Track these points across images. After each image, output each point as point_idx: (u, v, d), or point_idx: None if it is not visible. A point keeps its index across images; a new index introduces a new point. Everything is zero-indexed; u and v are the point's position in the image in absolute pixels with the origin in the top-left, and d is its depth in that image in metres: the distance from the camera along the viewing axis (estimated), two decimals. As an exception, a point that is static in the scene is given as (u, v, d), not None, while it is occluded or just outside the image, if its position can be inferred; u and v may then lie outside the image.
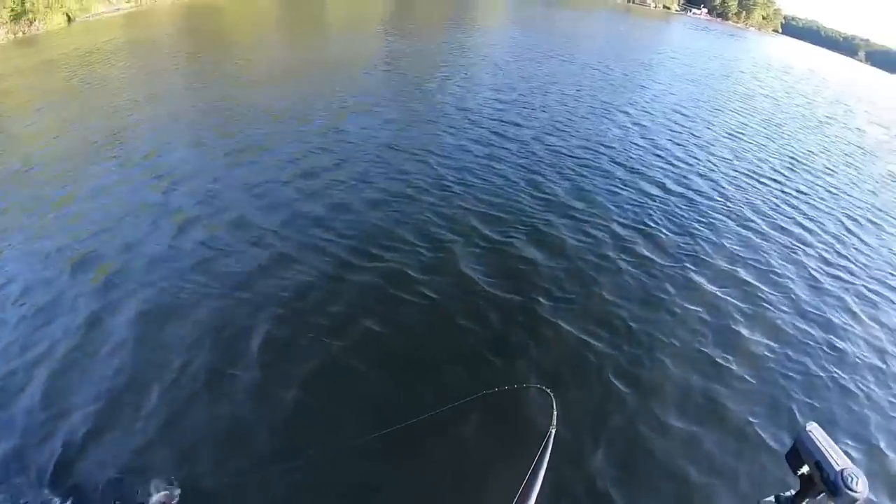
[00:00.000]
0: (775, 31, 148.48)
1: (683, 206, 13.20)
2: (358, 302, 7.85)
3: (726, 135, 21.43)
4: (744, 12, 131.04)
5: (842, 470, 1.93)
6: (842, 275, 11.48)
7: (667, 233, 11.53)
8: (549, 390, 3.31)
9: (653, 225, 11.78)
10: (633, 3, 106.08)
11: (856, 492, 1.88)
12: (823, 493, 2.03)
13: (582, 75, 26.82)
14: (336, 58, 22.81)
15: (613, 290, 9.05)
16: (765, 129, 24.23)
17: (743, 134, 22.17)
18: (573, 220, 11.34)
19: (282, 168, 12.09)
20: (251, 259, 8.66)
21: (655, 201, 13.13)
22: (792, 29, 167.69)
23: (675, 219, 12.37)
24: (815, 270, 11.37)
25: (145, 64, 20.16)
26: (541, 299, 8.45)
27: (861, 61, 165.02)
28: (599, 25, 55.71)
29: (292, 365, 6.62)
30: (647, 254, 10.42)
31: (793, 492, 2.24)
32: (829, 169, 20.43)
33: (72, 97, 16.37)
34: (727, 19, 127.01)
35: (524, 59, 28.01)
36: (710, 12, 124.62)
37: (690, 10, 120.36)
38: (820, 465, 2.00)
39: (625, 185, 13.79)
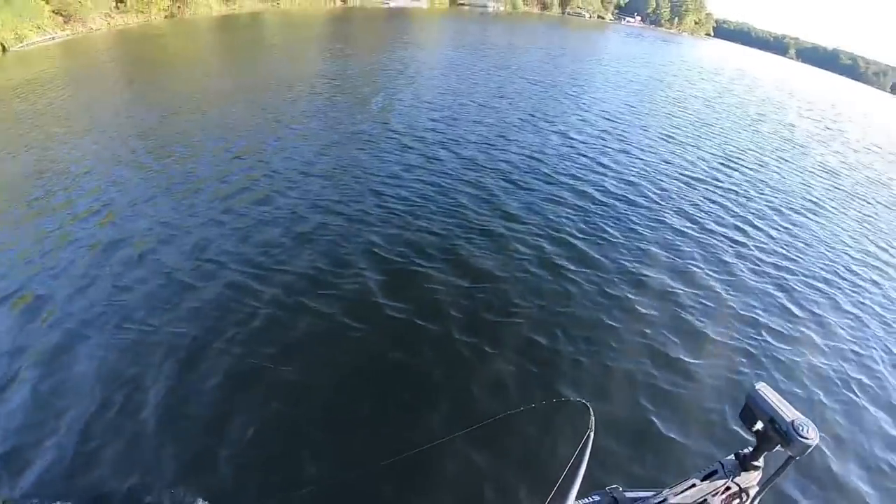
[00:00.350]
0: (707, 34, 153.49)
1: (616, 213, 12.96)
2: (298, 335, 7.52)
3: (659, 139, 21.04)
4: (676, 18, 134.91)
5: (792, 421, 2.03)
6: (779, 262, 12.05)
7: (600, 240, 11.39)
8: (586, 402, 3.20)
9: (584, 234, 11.58)
10: (568, 14, 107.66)
11: (808, 438, 1.99)
12: (779, 445, 2.13)
13: (515, 89, 26.15)
14: (271, 82, 21.83)
15: (553, 300, 9.00)
16: (697, 130, 24.05)
17: (675, 137, 21.84)
18: (505, 236, 10.96)
19: (211, 198, 11.37)
20: (175, 292, 8.20)
21: (588, 210, 12.91)
22: (724, 32, 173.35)
23: (609, 226, 12.17)
24: (751, 261, 11.76)
25: (79, 94, 18.68)
26: (470, 319, 8.24)
27: (792, 59, 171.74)
28: (534, 39, 55.80)
29: (245, 401, 6.35)
30: (579, 265, 10.26)
31: (751, 448, 2.36)
32: (761, 165, 20.52)
33: (2, 130, 15.04)
34: (660, 25, 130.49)
35: (457, 77, 27.25)
36: (643, 20, 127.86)
37: (624, 19, 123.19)
38: (772, 419, 2.11)
39: (558, 197, 13.41)
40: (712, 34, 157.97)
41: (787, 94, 51.18)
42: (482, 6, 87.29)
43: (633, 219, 12.73)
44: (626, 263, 10.55)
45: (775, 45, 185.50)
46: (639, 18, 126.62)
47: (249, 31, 36.56)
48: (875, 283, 12.24)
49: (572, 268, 10.06)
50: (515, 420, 5.80)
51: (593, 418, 2.75)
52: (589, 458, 2.47)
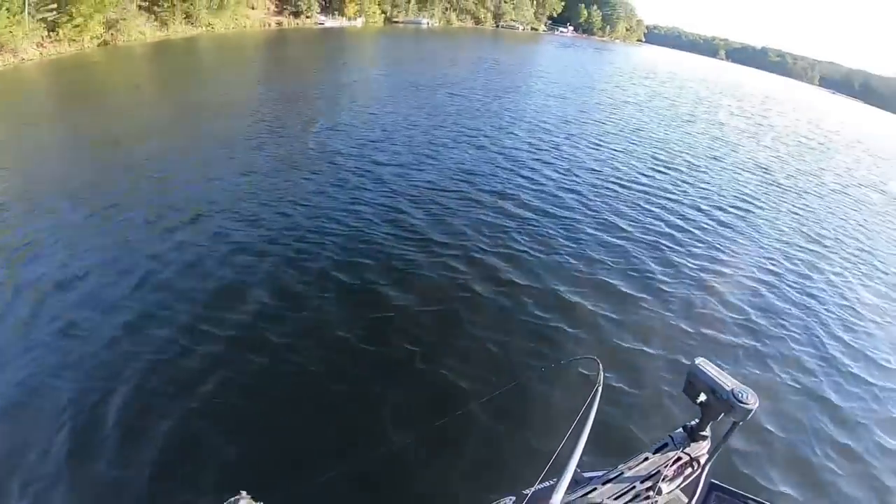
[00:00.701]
0: (639, 40, 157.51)
1: (551, 224, 12.63)
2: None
3: (587, 147, 20.17)
4: (608, 26, 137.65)
5: (732, 389, 2.07)
6: (712, 258, 12.28)
7: (535, 253, 11.08)
8: (595, 357, 3.18)
9: (520, 248, 11.22)
10: (502, 27, 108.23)
11: (748, 404, 2.02)
12: (723, 413, 2.16)
13: (446, 105, 24.79)
14: (206, 108, 20.41)
15: (483, 319, 8.68)
16: (627, 136, 23.34)
17: (607, 143, 21.13)
18: (437, 255, 10.54)
19: (139, 228, 10.63)
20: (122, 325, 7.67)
21: (523, 223, 12.52)
22: (655, 37, 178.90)
23: (542, 237, 11.87)
24: (683, 259, 11.93)
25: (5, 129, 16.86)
26: (404, 343, 7.90)
27: (722, 59, 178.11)
28: (467, 53, 55.18)
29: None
30: (512, 278, 10.03)
31: (697, 420, 2.43)
32: (692, 164, 20.30)
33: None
34: (593, 34, 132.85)
35: (389, 95, 25.80)
36: (576, 29, 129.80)
37: (557, 30, 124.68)
38: (713, 389, 2.16)
39: (491, 212, 12.91)
40: (644, 40, 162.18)
41: (718, 93, 51.98)
42: (416, 23, 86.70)
43: (558, 231, 12.39)
44: (550, 278, 10.21)
45: (705, 47, 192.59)
46: (571, 29, 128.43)
47: (184, 58, 34.93)
48: (812, 270, 12.79)
49: (513, 283, 9.82)
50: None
51: (601, 372, 2.88)
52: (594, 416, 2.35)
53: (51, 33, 30.64)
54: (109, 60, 31.24)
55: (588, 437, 2.22)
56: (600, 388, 2.73)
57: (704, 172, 19.39)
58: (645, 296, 9.98)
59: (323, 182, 13.56)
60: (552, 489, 1.95)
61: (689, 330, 9.16)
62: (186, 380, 6.69)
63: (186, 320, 7.84)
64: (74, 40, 31.98)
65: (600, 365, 3.04)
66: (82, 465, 5.51)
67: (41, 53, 29.63)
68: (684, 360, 7.96)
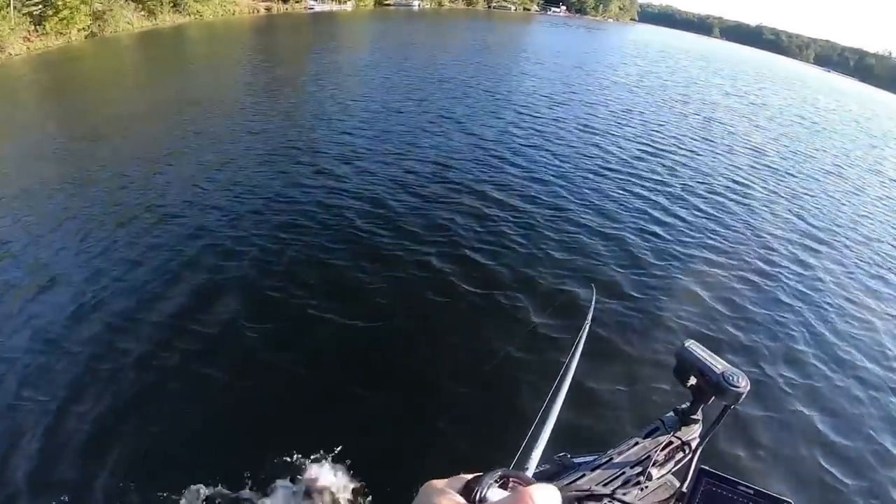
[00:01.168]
0: (633, 19, 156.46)
1: (522, 216, 12.21)
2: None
3: (575, 129, 20.06)
4: (601, 6, 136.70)
5: (722, 372, 1.97)
6: (703, 243, 12.20)
7: (511, 244, 10.89)
8: (592, 285, 3.79)
9: (500, 237, 11.13)
10: (493, 8, 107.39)
11: (739, 387, 1.90)
12: (713, 396, 2.07)
13: (432, 89, 24.66)
14: (189, 98, 20.31)
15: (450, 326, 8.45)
16: (616, 118, 23.17)
17: (592, 126, 20.90)
18: (416, 249, 10.33)
19: (105, 226, 10.52)
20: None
21: (491, 217, 12.05)
22: (648, 15, 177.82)
23: (516, 231, 11.50)
24: (672, 246, 11.81)
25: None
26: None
27: (717, 38, 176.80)
28: (458, 35, 54.77)
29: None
30: (493, 267, 9.97)
31: (688, 403, 2.33)
32: (683, 147, 20.03)
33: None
34: (586, 14, 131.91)
35: (375, 81, 25.61)
36: (568, 9, 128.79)
37: (550, 9, 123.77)
38: (702, 372, 2.05)
39: (474, 199, 12.75)
40: (637, 19, 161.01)
41: (712, 72, 51.65)
42: (407, 5, 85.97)
43: (544, 219, 12.13)
44: (534, 269, 10.05)
45: (700, 26, 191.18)
46: (564, 8, 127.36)
47: (170, 48, 34.78)
48: (807, 257, 12.51)
49: (491, 273, 9.77)
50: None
51: (594, 299, 3.06)
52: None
53: (37, 27, 30.58)
54: (96, 53, 31.20)
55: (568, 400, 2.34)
56: (591, 315, 2.92)
57: (698, 154, 19.25)
58: (632, 282, 9.92)
59: (299, 175, 13.50)
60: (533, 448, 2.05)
61: (679, 317, 9.08)
62: (148, 388, 6.65)
63: (157, 320, 7.83)
64: (61, 33, 31.89)
65: (594, 293, 3.39)
66: (48, 473, 5.49)
67: (28, 48, 29.56)
68: (673, 346, 7.87)
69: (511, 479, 0.73)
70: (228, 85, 23.58)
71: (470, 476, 0.68)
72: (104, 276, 8.85)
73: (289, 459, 5.62)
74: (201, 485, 5.29)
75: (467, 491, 0.65)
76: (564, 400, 2.41)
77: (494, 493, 0.66)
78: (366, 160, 14.69)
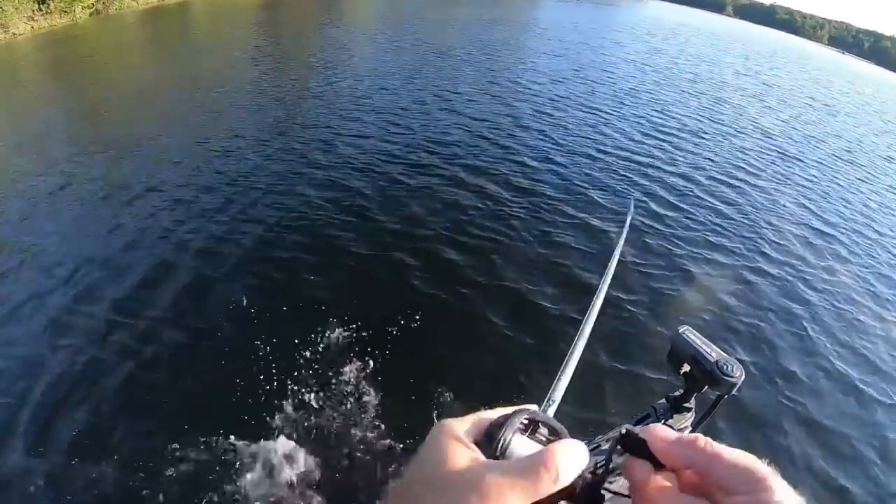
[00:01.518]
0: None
1: (524, 205, 11.62)
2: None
3: (576, 109, 19.28)
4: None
5: (716, 361, 1.97)
6: (708, 226, 11.91)
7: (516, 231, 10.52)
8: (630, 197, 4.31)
9: (490, 231, 10.51)
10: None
11: (733, 377, 1.93)
12: (707, 385, 2.06)
13: (429, 67, 23.81)
14: (192, 77, 19.93)
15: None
16: (621, 97, 22.30)
17: (594, 106, 20.07)
18: (412, 237, 9.92)
19: (98, 205, 10.36)
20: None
21: (483, 210, 11.37)
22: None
23: (517, 217, 11.07)
24: (675, 235, 11.25)
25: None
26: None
27: (730, 16, 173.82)
28: (463, 11, 53.55)
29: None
30: (500, 270, 9.31)
31: (681, 391, 2.30)
32: (686, 127, 19.46)
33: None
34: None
35: (380, 56, 25.17)
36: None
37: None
38: (696, 359, 2.03)
39: (454, 191, 12.00)
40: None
41: (723, 51, 50.40)
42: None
43: (542, 206, 11.58)
44: (545, 246, 10.00)
45: (712, 3, 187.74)
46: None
47: (177, 25, 34.14)
48: (818, 242, 12.30)
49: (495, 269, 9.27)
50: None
51: (631, 212, 3.51)
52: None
53: (41, 6, 30.38)
54: (101, 31, 30.75)
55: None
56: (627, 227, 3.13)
57: (706, 139, 18.55)
58: (629, 272, 9.47)
59: (288, 159, 12.89)
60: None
61: (678, 306, 8.87)
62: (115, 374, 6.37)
63: (161, 296, 7.71)
64: (66, 11, 31.65)
65: (632, 205, 3.87)
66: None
67: (32, 28, 29.44)
68: (667, 333, 7.51)
69: (540, 424, 0.63)
70: (231, 62, 23.06)
71: (493, 415, 0.60)
72: (99, 256, 8.66)
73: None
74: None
75: (488, 438, 0.57)
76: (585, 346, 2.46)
77: (519, 441, 0.58)
78: (359, 143, 14.09)
